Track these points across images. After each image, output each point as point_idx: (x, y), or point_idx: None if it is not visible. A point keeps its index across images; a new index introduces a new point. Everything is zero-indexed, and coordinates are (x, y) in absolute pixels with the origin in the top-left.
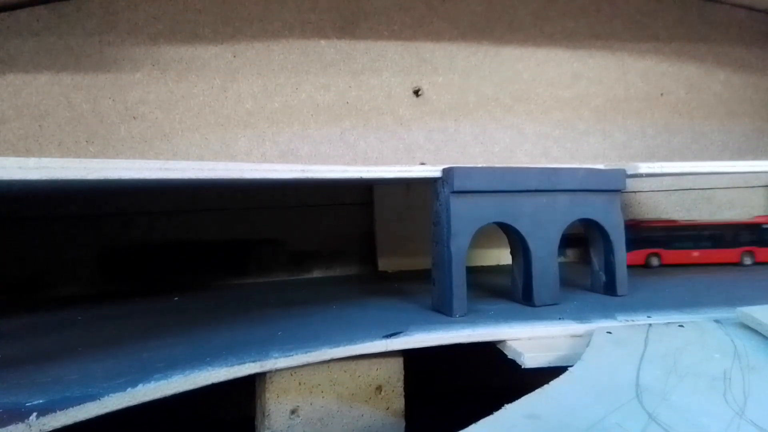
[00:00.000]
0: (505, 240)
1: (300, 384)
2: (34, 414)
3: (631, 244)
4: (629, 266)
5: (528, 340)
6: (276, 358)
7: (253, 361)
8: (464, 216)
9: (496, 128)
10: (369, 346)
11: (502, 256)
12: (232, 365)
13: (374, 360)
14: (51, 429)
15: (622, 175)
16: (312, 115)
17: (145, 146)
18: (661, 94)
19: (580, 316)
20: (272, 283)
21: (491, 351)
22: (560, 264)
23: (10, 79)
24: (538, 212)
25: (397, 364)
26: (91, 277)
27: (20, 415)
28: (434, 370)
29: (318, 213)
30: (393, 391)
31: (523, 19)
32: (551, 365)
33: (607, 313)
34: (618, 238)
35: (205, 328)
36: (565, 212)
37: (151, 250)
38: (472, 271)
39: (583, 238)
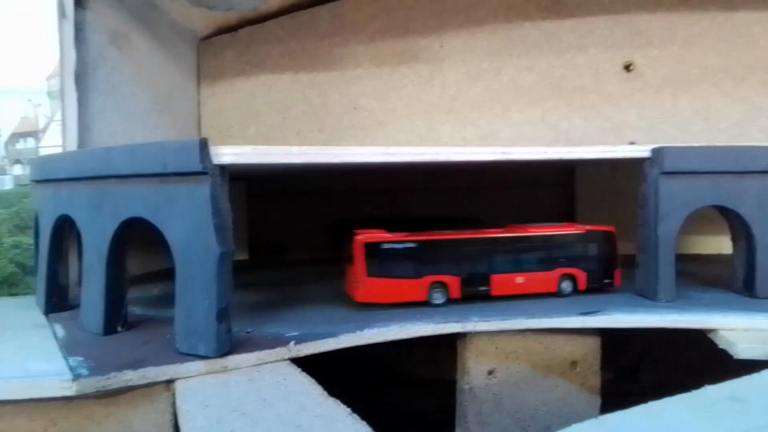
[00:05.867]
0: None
1: (497, 348)
2: (293, 342)
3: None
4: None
5: (744, 331)
6: (475, 321)
7: (456, 322)
8: (675, 198)
9: (723, 102)
10: (564, 321)
11: (723, 244)
12: (438, 323)
13: (570, 336)
14: (303, 355)
15: None
16: (513, 97)
17: (363, 133)
18: None
19: None
20: None
21: (699, 343)
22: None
23: (261, 80)
24: (766, 196)
25: (593, 343)
26: (319, 244)
27: (283, 341)
28: (638, 358)
29: (518, 193)
30: (589, 368)
31: None
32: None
33: None
34: None
35: None
36: None
37: (368, 223)
38: (688, 259)
39: None
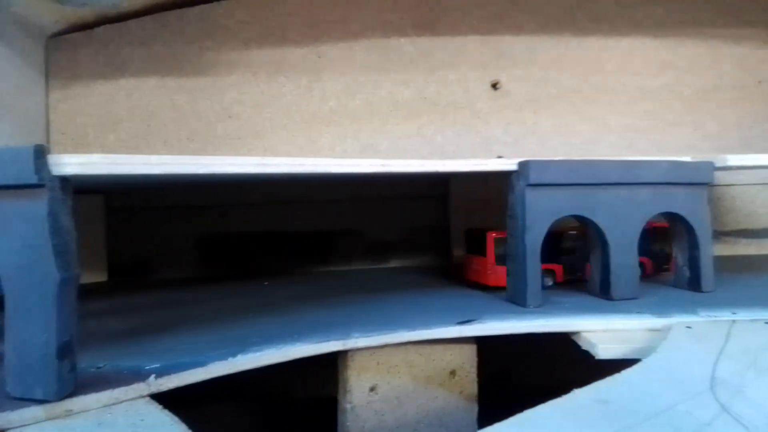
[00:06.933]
0: None
1: (378, 364)
2: (153, 375)
3: None
4: None
5: (603, 332)
6: (357, 337)
7: (337, 339)
8: (539, 209)
9: (577, 120)
10: (443, 332)
11: None
12: (318, 342)
13: (448, 345)
14: (166, 389)
15: (709, 167)
16: (391, 111)
17: (239, 143)
18: (759, 82)
19: (659, 311)
20: (352, 272)
21: (565, 345)
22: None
23: (122, 83)
24: (618, 205)
25: (470, 351)
26: (191, 262)
27: (141, 375)
28: (509, 363)
29: (396, 205)
30: (466, 376)
31: (608, 7)
32: (625, 357)
33: (689, 308)
34: (704, 232)
35: (292, 310)
36: (646, 206)
37: (244, 238)
38: None
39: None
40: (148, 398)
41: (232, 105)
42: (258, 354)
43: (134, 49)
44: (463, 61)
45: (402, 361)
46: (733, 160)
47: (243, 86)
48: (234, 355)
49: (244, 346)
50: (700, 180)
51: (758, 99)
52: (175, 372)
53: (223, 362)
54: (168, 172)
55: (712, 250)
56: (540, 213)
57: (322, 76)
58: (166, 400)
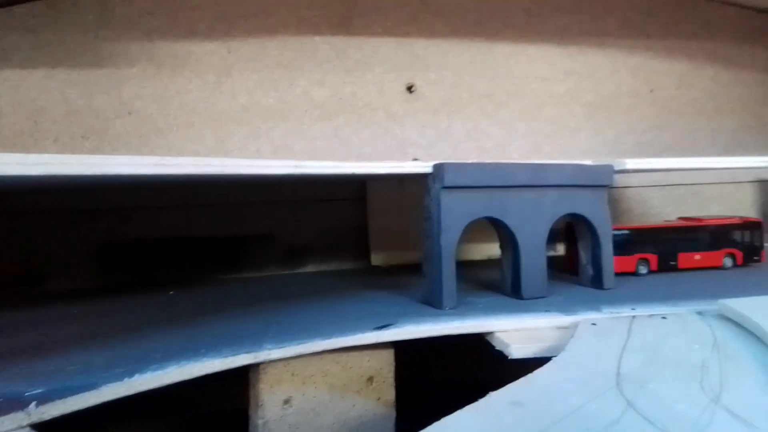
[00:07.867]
0: (496, 234)
1: (293, 375)
2: (34, 403)
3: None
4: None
5: (515, 331)
6: (269, 349)
7: (247, 352)
8: (454, 211)
9: (488, 124)
10: (360, 338)
11: (492, 249)
12: (226, 356)
13: (365, 351)
14: (50, 417)
15: (610, 170)
16: (306, 111)
17: (141, 141)
18: (651, 91)
19: (566, 309)
20: (267, 278)
21: (481, 344)
22: (549, 258)
23: (6, 74)
24: (527, 207)
25: (387, 356)
26: (88, 271)
27: (20, 403)
28: (425, 363)
29: (312, 208)
30: (384, 381)
31: (516, 15)
32: (537, 356)
33: (593, 305)
34: (605, 232)
35: (200, 321)
36: (553, 207)
37: (148, 244)
38: (463, 265)
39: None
40: (28, 429)
41: (132, 100)
42: (158, 373)
43: (21, 37)
44: (378, 62)
45: (318, 370)
46: (631, 163)
47: (145, 80)
48: (131, 375)
49: (143, 363)
50: (601, 182)
51: (650, 107)
52: (60, 397)
53: (118, 384)
54: (49, 173)
55: (612, 249)
56: (455, 215)
57: (231, 72)
58: (58, 425)
